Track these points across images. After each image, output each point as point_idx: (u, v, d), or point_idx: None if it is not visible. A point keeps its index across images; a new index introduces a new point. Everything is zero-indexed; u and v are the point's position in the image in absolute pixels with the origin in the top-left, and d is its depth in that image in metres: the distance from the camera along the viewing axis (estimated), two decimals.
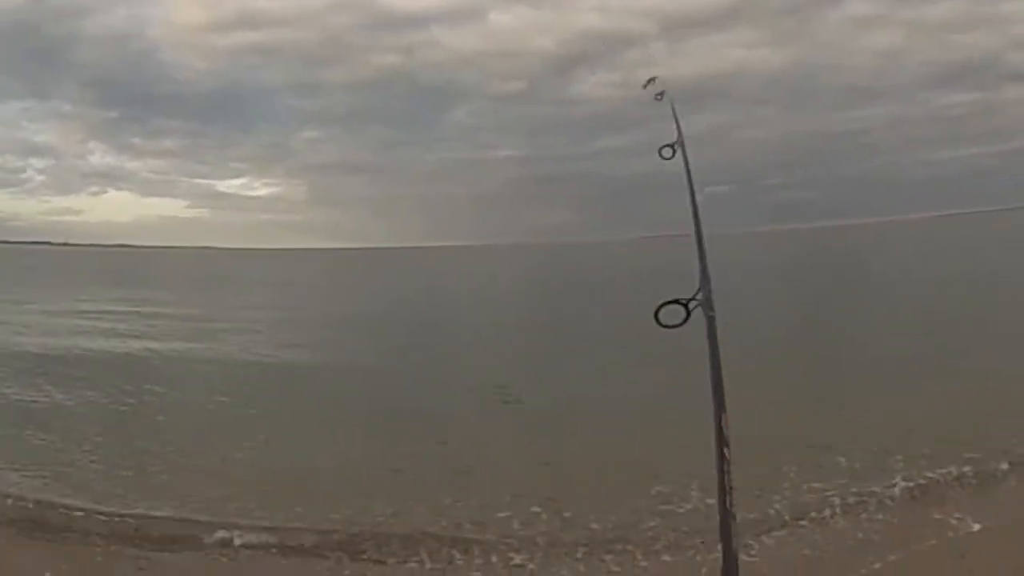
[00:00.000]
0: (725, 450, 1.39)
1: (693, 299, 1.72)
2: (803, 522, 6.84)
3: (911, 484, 7.46)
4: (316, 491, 8.10)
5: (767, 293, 30.70)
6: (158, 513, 7.46)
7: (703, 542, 6.31)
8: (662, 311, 1.70)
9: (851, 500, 7.17)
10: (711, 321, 1.68)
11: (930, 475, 7.61)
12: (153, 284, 52.62)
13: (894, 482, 7.46)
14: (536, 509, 7.32)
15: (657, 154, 2.07)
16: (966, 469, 7.65)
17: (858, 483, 7.53)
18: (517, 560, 6.44)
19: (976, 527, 6.35)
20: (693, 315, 1.64)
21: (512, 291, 43.71)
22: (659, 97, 2.64)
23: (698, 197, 1.89)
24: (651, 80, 2.73)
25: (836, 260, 56.24)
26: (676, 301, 1.70)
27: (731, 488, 1.33)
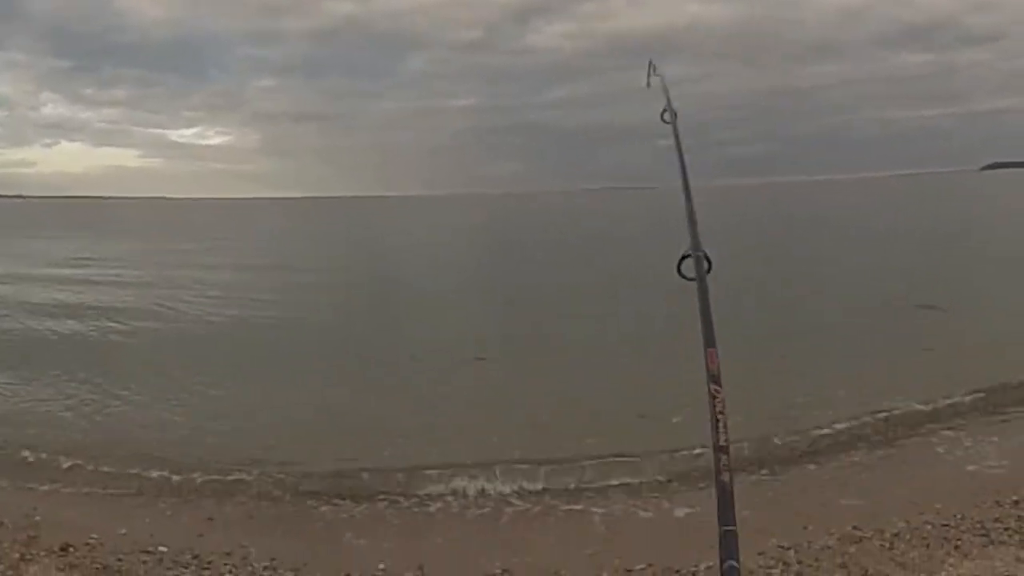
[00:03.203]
0: (714, 386, 1.52)
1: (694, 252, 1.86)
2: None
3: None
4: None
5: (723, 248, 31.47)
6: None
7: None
8: (683, 264, 1.84)
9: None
10: (699, 261, 1.82)
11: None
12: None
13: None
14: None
15: (658, 118, 2.24)
16: None
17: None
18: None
19: None
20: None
21: (465, 244, 43.79)
22: (654, 74, 2.66)
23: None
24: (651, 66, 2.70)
25: (784, 216, 57.62)
26: (688, 255, 1.85)
27: (721, 422, 1.46)
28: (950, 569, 5.24)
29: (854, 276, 20.85)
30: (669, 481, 7.15)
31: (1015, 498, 6.08)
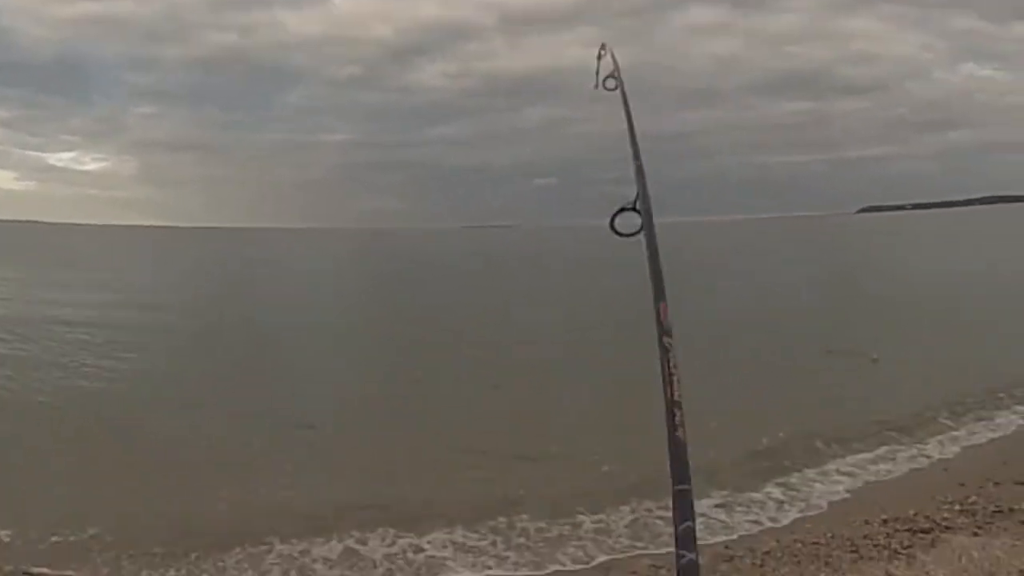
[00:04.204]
0: (666, 339, 1.44)
1: (634, 207, 1.84)
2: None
3: None
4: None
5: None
6: None
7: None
8: (617, 220, 1.83)
9: None
10: (648, 216, 1.79)
11: None
12: None
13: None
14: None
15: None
16: None
17: None
18: None
19: None
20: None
21: (329, 281, 41.97)
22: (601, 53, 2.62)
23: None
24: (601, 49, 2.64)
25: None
26: (625, 208, 1.82)
27: (675, 377, 1.38)
28: None
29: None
30: None
31: (884, 517, 6.46)
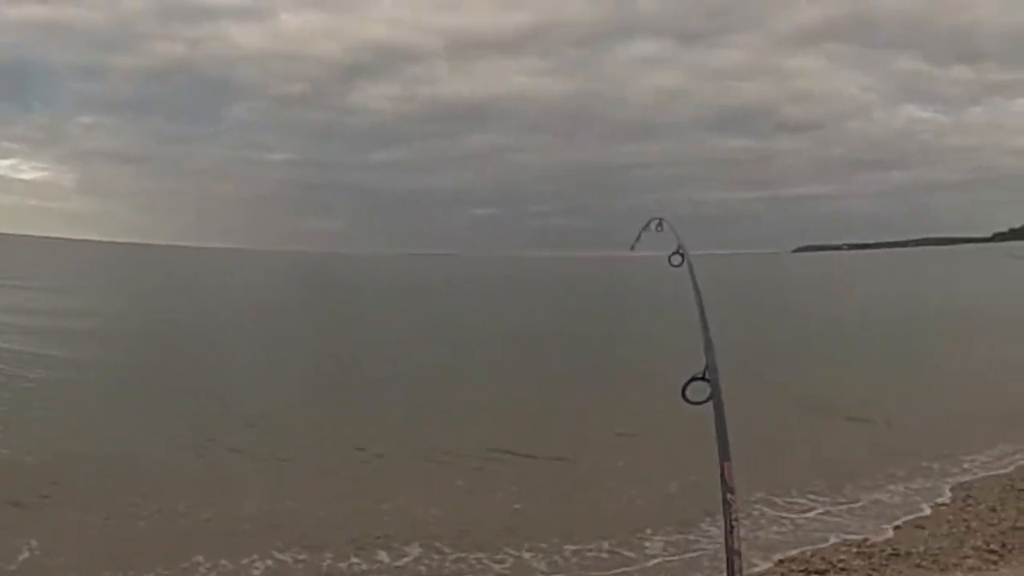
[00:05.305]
0: (729, 495, 1.71)
1: (704, 376, 2.08)
2: None
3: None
4: None
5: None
6: None
7: None
8: (688, 389, 2.05)
9: None
10: (715, 384, 2.04)
11: None
12: None
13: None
14: None
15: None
16: None
17: None
18: None
19: None
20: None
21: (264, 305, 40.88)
22: (659, 228, 2.96)
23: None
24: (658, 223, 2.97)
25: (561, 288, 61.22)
26: (696, 378, 2.06)
27: (736, 529, 1.72)
28: None
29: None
30: None
31: (779, 558, 6.96)
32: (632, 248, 2.85)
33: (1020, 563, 6.56)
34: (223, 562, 6.76)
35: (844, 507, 8.44)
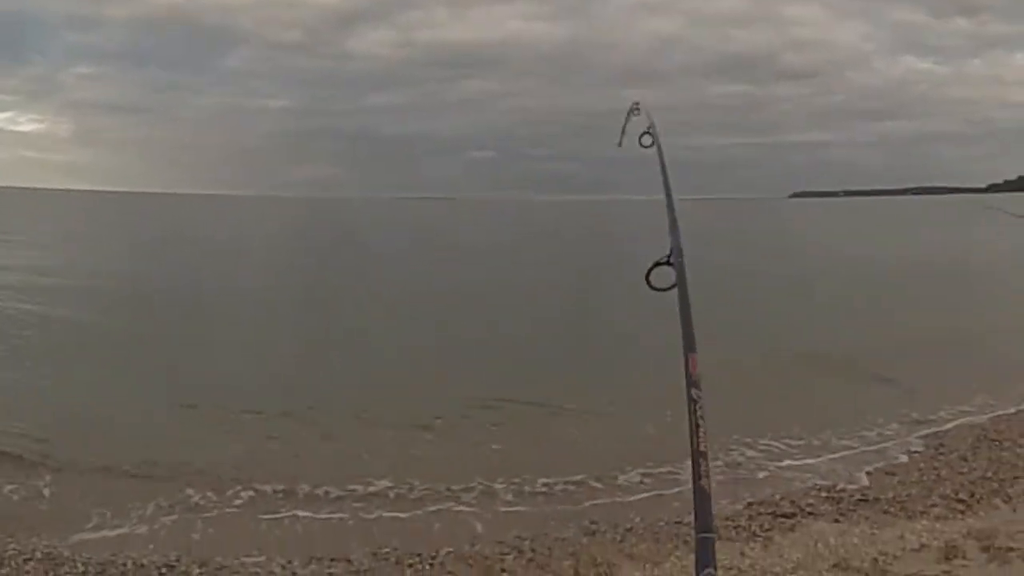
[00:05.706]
0: (694, 391, 1.54)
1: (668, 261, 1.93)
2: None
3: None
4: None
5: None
6: None
7: None
8: (652, 273, 1.91)
9: None
10: (680, 268, 1.89)
11: None
12: None
13: None
14: None
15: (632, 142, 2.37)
16: None
17: None
18: None
19: None
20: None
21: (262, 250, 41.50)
22: (636, 113, 2.77)
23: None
24: (634, 106, 2.78)
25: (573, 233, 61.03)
26: (660, 263, 1.92)
27: (701, 429, 1.49)
28: (675, 560, 5.92)
29: None
30: None
31: (749, 500, 7.04)
32: (619, 144, 2.66)
33: (987, 512, 6.60)
34: (209, 494, 7.32)
35: (818, 453, 8.48)
